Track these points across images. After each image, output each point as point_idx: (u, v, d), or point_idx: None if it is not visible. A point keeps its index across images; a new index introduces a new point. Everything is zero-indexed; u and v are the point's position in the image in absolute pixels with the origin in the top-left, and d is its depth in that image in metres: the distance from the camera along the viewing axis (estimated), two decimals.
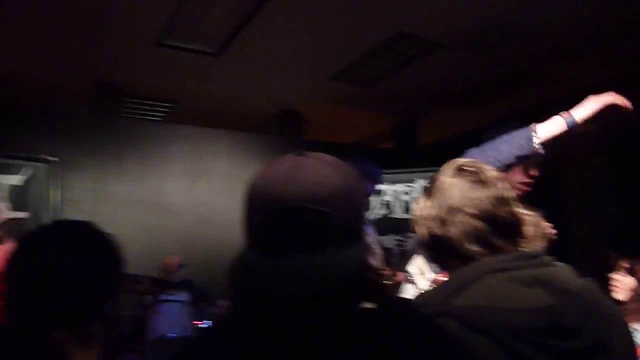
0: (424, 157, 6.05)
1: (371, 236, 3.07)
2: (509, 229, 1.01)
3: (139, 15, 3.41)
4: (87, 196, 4.38)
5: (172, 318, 3.75)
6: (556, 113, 1.38)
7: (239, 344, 0.72)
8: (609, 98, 1.32)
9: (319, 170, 0.80)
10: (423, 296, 0.99)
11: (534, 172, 1.71)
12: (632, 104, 1.34)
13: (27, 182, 4.15)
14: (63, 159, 4.30)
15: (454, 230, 1.01)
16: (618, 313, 0.99)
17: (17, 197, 4.04)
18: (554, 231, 1.73)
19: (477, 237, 1.00)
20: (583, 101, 1.36)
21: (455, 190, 1.04)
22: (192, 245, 4.55)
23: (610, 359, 0.89)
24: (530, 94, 5.15)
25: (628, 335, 0.97)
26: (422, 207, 1.08)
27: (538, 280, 0.91)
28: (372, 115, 5.90)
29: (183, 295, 3.95)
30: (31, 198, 4.12)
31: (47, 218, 4.06)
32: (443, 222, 1.03)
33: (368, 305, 0.77)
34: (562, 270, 0.99)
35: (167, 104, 5.21)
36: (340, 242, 0.77)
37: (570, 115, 1.36)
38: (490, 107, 5.57)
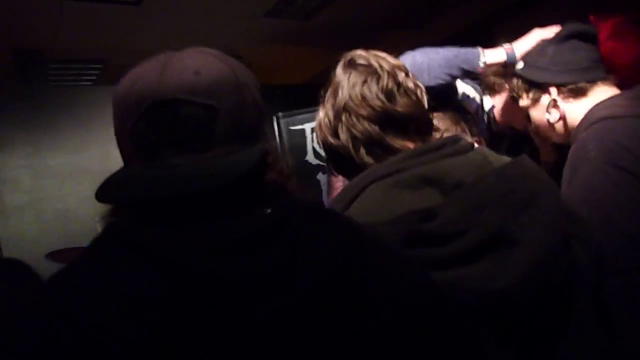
0: None
1: None
2: (409, 124, 0.89)
3: None
4: (25, 174, 4.19)
5: None
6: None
7: (105, 274, 0.60)
8: (551, 33, 1.29)
9: (197, 59, 0.70)
10: None
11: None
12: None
13: None
14: None
15: (344, 137, 0.90)
16: (545, 192, 0.81)
17: None
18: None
19: (369, 142, 0.88)
20: (528, 33, 1.36)
21: (344, 88, 0.92)
22: None
23: (512, 252, 0.74)
24: (473, 8, 5.11)
25: (553, 214, 0.79)
26: (319, 116, 0.98)
27: (427, 178, 0.80)
28: (316, 51, 5.76)
29: None
30: None
31: None
32: (334, 128, 0.92)
33: (266, 210, 0.68)
34: (469, 158, 0.85)
35: (95, 65, 4.93)
36: (230, 142, 0.66)
37: (513, 49, 1.34)
38: (436, 26, 5.51)
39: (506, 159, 0.89)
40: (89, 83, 5.23)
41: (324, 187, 3.83)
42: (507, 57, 1.34)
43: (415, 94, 0.93)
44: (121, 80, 0.71)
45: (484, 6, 5.08)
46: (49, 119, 4.36)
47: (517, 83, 1.28)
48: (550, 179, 0.86)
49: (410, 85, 0.92)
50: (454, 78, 1.38)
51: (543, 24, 1.39)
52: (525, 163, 0.84)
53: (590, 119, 1.10)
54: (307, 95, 5.95)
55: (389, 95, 0.89)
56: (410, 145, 0.89)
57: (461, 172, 0.80)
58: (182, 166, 0.63)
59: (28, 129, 4.25)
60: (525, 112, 1.31)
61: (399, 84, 0.91)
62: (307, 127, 4.11)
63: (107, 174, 0.66)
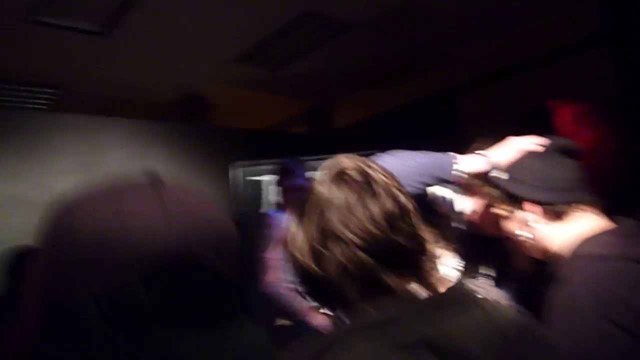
0: (339, 141, 6.12)
1: None
2: (409, 258, 0.76)
3: None
4: None
5: None
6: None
7: None
8: (529, 144, 1.24)
9: (200, 204, 0.55)
10: None
11: None
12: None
13: None
14: None
15: (330, 268, 0.75)
16: None
17: None
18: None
19: (361, 276, 0.74)
20: (503, 141, 1.29)
21: (333, 208, 0.77)
22: None
23: None
24: (442, 75, 5.33)
25: None
26: (293, 232, 0.82)
27: (429, 343, 0.65)
28: (283, 99, 5.80)
29: None
30: None
31: None
32: (318, 255, 0.77)
33: None
34: (474, 317, 0.72)
35: (50, 90, 4.76)
36: (234, 316, 0.55)
37: (488, 157, 1.29)
38: (402, 88, 5.71)
39: (511, 312, 0.79)
40: (41, 107, 5.06)
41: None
42: (486, 165, 1.29)
43: (416, 218, 0.81)
44: (89, 210, 0.49)
45: (448, 77, 5.32)
46: None
47: (494, 192, 1.23)
48: (557, 352, 0.78)
49: (411, 207, 0.81)
50: (428, 186, 1.32)
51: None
52: (535, 331, 0.75)
53: (578, 254, 1.03)
54: (268, 142, 5.96)
55: (390, 221, 0.76)
56: (407, 284, 0.76)
57: (466, 338, 0.68)
58: (181, 347, 0.48)
59: None
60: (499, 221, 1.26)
61: (401, 207, 0.78)
62: (265, 179, 4.06)
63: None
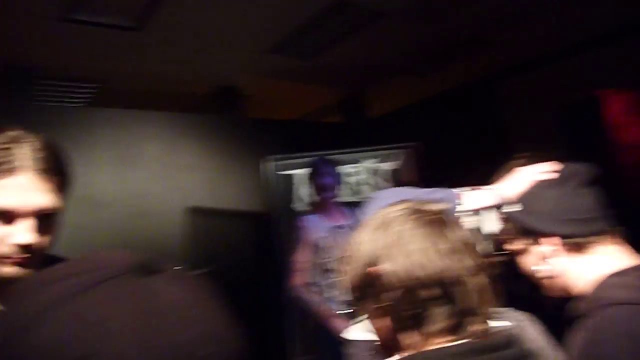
0: (374, 130, 6.09)
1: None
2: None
3: None
4: None
5: None
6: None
7: None
8: (540, 173, 1.17)
9: (196, 307, 0.48)
10: None
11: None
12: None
13: None
14: None
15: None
16: None
17: None
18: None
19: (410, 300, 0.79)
20: (510, 173, 1.24)
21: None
22: (125, 240, 4.33)
23: None
24: (479, 62, 5.23)
25: None
26: (359, 241, 0.88)
27: None
28: (317, 89, 5.82)
29: None
30: None
31: None
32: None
33: None
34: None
35: (89, 86, 4.93)
36: None
37: (498, 191, 1.23)
38: (439, 76, 5.62)
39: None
40: (81, 103, 5.23)
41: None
42: (494, 199, 1.23)
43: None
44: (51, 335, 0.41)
45: (486, 64, 5.21)
46: None
47: (507, 226, 1.17)
48: None
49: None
50: None
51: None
52: None
53: (602, 297, 0.97)
54: (302, 132, 5.90)
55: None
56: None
57: None
58: None
59: None
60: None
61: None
62: (297, 173, 4.07)
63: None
